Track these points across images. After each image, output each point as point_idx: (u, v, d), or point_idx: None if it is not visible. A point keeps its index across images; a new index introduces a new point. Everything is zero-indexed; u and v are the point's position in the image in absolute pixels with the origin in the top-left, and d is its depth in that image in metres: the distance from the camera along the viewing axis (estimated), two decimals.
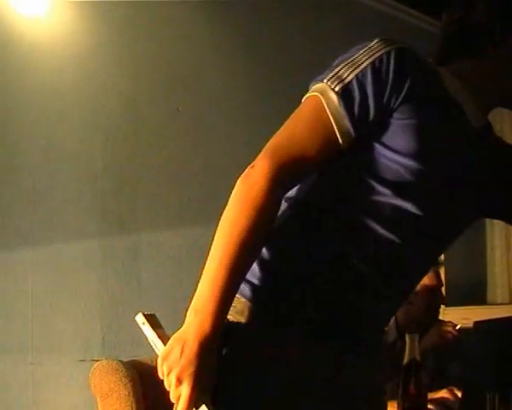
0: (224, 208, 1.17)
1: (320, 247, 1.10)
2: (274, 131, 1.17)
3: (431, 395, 1.74)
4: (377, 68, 1.08)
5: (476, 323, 1.51)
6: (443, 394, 1.85)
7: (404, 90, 1.08)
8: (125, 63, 2.99)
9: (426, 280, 2.59)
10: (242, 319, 1.08)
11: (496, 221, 3.99)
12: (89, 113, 2.70)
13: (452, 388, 1.84)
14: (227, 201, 1.09)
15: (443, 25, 1.29)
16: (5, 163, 2.50)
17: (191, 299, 1.03)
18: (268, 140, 1.16)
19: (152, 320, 1.15)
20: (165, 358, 1.04)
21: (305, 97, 1.14)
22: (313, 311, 1.07)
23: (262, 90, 3.31)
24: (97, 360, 2.18)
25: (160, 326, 1.15)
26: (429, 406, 1.68)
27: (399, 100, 1.08)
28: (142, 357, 2.36)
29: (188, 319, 1.04)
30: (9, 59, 2.54)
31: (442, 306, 3.19)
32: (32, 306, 2.46)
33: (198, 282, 1.10)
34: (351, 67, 1.10)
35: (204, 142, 3.18)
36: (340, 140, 1.07)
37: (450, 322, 2.49)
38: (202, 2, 3.12)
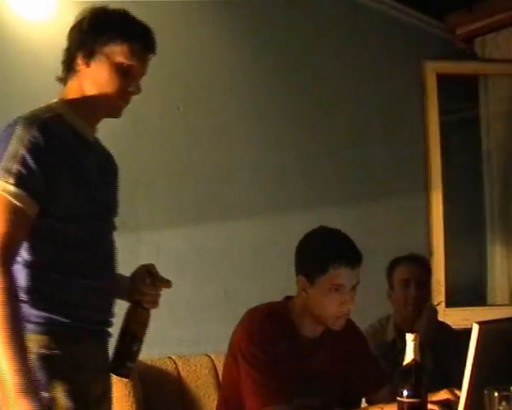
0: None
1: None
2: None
3: (431, 396, 1.74)
4: (33, 150, 1.47)
5: (476, 323, 1.51)
6: (443, 394, 1.84)
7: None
8: None
9: (400, 274, 2.61)
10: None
11: (496, 222, 3.99)
12: None
13: (452, 388, 1.84)
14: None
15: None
16: None
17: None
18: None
19: None
20: None
21: None
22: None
23: (263, 90, 3.31)
24: None
25: None
26: (430, 406, 1.68)
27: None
28: (142, 357, 2.36)
29: None
30: (13, 62, 2.54)
31: (442, 305, 3.20)
32: None
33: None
34: (12, 159, 1.45)
35: (204, 141, 3.18)
36: (29, 213, 1.47)
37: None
38: (204, 2, 3.12)
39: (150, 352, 2.98)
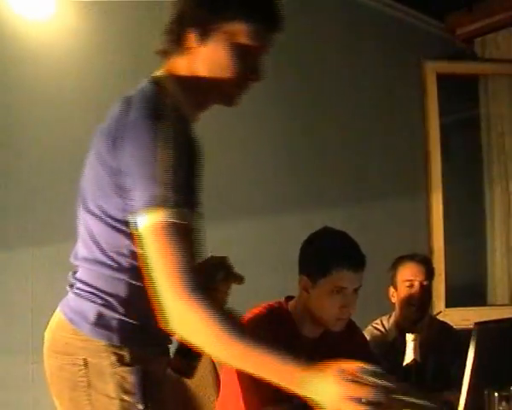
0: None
1: None
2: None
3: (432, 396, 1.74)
4: (178, 158, 1.26)
5: (476, 324, 1.51)
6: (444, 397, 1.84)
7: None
8: (127, 64, 2.99)
9: (405, 275, 2.61)
10: None
11: (497, 222, 3.99)
12: (91, 114, 2.70)
13: (452, 388, 1.84)
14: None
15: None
16: (5, 163, 2.50)
17: None
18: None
19: None
20: None
21: (150, 226, 1.25)
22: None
23: (262, 92, 3.30)
24: None
25: None
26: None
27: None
28: None
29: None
30: (13, 61, 2.54)
31: (442, 305, 3.19)
32: (31, 306, 2.46)
33: None
34: (163, 174, 1.24)
35: (204, 141, 3.18)
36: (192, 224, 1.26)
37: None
38: None
39: None
